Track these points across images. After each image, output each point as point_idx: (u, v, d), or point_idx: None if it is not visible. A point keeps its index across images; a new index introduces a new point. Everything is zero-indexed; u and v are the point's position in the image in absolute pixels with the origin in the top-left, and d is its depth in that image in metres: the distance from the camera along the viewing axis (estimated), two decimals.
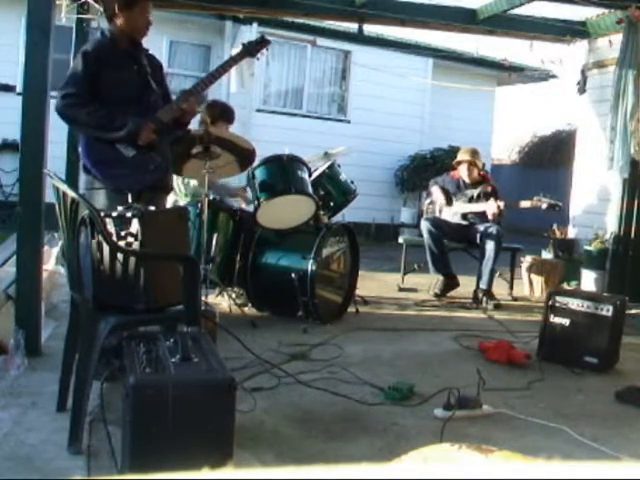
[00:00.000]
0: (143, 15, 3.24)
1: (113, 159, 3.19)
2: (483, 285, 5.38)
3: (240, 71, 7.68)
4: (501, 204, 5.40)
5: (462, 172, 5.71)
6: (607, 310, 3.63)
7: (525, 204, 5.46)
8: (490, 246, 5.33)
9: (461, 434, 2.52)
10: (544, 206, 5.33)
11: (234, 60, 3.58)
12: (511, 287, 5.88)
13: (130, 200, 2.98)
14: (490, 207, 5.41)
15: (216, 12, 8.18)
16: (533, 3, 5.94)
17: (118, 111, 3.15)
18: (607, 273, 5.87)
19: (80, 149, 3.23)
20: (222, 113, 4.71)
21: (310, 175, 4.56)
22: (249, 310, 4.52)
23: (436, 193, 5.75)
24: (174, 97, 3.48)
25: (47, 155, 3.29)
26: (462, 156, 5.75)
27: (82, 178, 3.28)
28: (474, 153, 5.72)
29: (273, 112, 9.83)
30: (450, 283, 5.61)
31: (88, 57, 3.16)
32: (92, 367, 2.24)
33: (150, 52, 3.46)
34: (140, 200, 2.95)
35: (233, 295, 4.53)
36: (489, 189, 5.64)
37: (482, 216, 5.58)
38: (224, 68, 3.50)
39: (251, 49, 3.58)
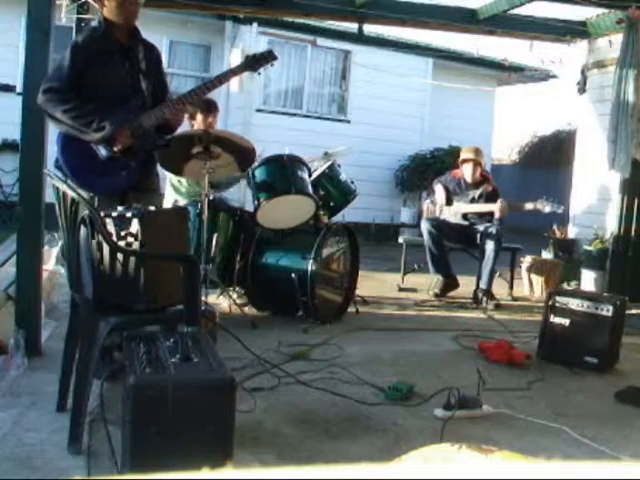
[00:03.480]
0: (122, 5, 3.04)
1: (86, 162, 3.06)
2: (483, 285, 5.38)
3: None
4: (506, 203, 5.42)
5: (466, 171, 5.69)
6: (607, 310, 3.63)
7: (528, 206, 5.44)
8: (490, 246, 5.34)
9: (461, 434, 2.52)
10: (546, 210, 5.31)
11: (233, 72, 3.44)
12: (511, 287, 5.88)
13: (96, 201, 2.92)
14: (499, 207, 5.40)
15: (216, 12, 8.18)
16: (533, 3, 5.94)
17: (100, 110, 3.01)
18: (607, 273, 5.87)
19: (56, 146, 3.11)
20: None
21: (310, 175, 4.56)
22: (249, 310, 4.52)
23: (439, 192, 5.74)
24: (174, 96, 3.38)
25: (47, 155, 3.29)
26: (467, 154, 5.72)
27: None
28: (478, 152, 5.71)
29: (273, 112, 9.83)
30: (450, 283, 5.61)
31: (77, 51, 3.03)
32: (92, 367, 2.24)
33: (148, 42, 3.26)
34: (126, 201, 2.90)
35: (233, 295, 4.53)
36: (490, 190, 5.64)
37: (482, 216, 5.58)
38: (220, 80, 3.34)
39: (253, 63, 3.41)
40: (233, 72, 3.44)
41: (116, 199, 3.00)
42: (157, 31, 8.17)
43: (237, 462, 1.94)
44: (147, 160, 3.22)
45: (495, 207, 5.42)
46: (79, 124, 3.00)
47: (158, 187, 3.47)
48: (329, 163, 4.82)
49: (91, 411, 2.39)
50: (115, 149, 3.05)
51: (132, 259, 2.36)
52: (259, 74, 3.54)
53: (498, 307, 5.28)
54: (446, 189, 5.70)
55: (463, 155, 5.77)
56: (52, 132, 3.37)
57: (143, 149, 3.16)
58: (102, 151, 3.07)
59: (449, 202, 5.67)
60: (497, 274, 5.58)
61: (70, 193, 2.31)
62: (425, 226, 5.55)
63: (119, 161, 3.10)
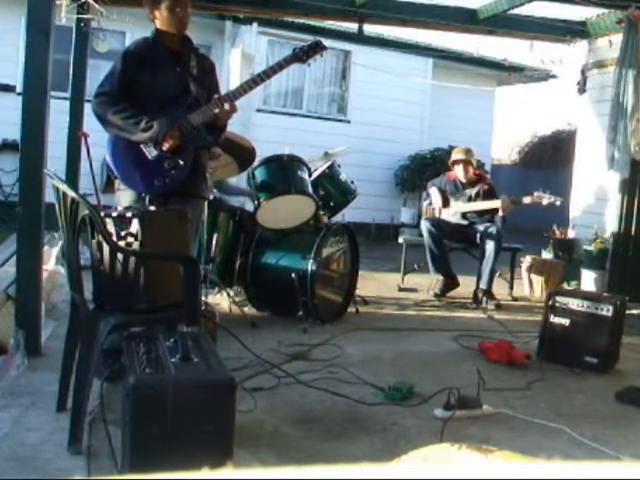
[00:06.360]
0: (172, 12, 3.10)
1: (133, 160, 3.12)
2: (483, 285, 5.39)
3: (239, 71, 7.67)
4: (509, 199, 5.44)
5: (458, 172, 5.73)
6: (607, 310, 3.63)
7: (526, 200, 5.47)
8: (490, 246, 5.34)
9: (461, 434, 2.52)
10: (544, 202, 5.34)
11: (280, 66, 3.28)
12: (511, 287, 5.88)
13: (148, 203, 2.96)
14: (502, 202, 5.41)
15: (216, 12, 8.17)
16: (533, 3, 5.94)
17: (150, 112, 3.06)
18: (607, 273, 5.87)
19: (107, 150, 3.17)
20: None
21: (310, 175, 4.56)
22: (249, 310, 4.52)
23: (434, 195, 5.76)
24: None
25: (47, 155, 3.29)
26: (457, 156, 5.76)
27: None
28: (468, 152, 5.75)
29: (273, 112, 9.83)
30: (450, 283, 5.62)
31: (127, 56, 3.13)
32: (92, 367, 2.24)
33: (201, 52, 3.35)
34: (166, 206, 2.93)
35: (233, 295, 4.53)
36: (486, 188, 5.65)
37: (482, 215, 5.59)
38: (267, 74, 3.25)
39: (301, 55, 3.30)
40: (280, 66, 3.31)
41: (161, 200, 3.05)
42: None
43: (237, 462, 1.94)
44: (196, 161, 3.22)
45: (499, 204, 5.44)
46: (128, 124, 3.06)
47: (206, 194, 3.46)
48: (329, 163, 4.82)
49: (91, 411, 2.39)
50: (163, 148, 3.08)
51: (132, 259, 2.37)
52: (309, 65, 3.43)
53: (498, 307, 5.28)
54: (442, 191, 5.72)
55: (453, 157, 5.81)
56: (52, 132, 3.38)
57: (192, 145, 3.16)
58: (150, 150, 3.12)
59: (446, 203, 5.68)
60: (497, 274, 5.58)
61: (70, 193, 2.31)
62: (425, 225, 5.55)
63: (168, 160, 3.12)
